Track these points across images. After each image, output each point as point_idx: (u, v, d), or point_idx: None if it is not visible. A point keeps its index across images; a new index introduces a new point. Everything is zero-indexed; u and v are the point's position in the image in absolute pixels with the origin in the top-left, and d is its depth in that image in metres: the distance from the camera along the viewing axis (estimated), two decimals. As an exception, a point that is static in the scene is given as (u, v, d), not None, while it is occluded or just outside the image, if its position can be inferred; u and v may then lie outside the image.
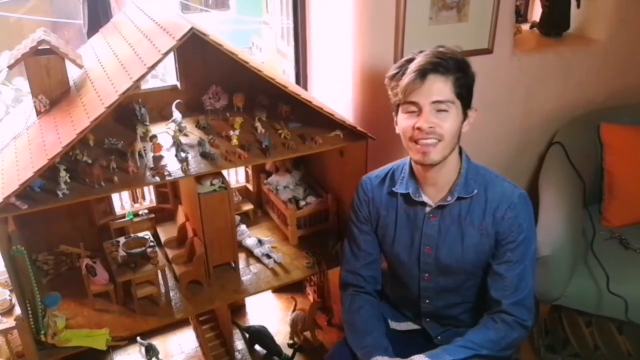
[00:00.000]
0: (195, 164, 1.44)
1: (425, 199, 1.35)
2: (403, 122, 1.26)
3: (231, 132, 1.54)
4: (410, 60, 1.24)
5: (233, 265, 1.72)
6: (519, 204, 1.30)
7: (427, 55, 1.21)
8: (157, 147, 1.44)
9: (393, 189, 1.38)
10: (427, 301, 1.43)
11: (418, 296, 1.44)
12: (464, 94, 1.24)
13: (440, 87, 1.20)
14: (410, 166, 1.38)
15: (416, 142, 1.24)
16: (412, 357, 1.27)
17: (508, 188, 1.33)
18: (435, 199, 1.35)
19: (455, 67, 1.21)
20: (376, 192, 1.43)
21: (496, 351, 1.30)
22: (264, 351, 2.01)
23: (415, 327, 1.53)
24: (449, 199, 1.32)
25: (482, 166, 1.37)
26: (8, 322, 1.55)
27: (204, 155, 1.47)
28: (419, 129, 1.22)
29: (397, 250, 1.41)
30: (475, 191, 1.31)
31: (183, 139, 1.52)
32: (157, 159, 1.43)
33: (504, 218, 1.30)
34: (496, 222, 1.31)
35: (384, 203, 1.41)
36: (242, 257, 1.78)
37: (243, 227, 1.88)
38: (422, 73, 1.19)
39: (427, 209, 1.35)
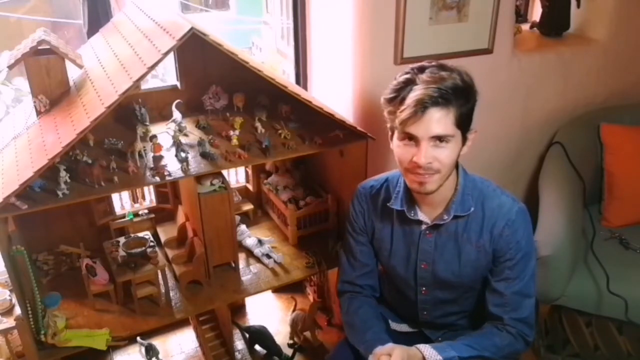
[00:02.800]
0: (195, 164, 1.44)
1: (421, 216, 1.32)
2: (399, 150, 1.21)
3: (231, 132, 1.54)
4: (408, 82, 1.16)
5: (233, 265, 1.72)
6: (517, 220, 1.27)
7: (427, 85, 1.13)
8: (157, 147, 1.44)
9: (388, 204, 1.35)
10: (425, 312, 1.43)
11: (415, 307, 1.43)
12: (465, 121, 1.18)
13: (441, 120, 1.13)
14: (405, 182, 1.32)
15: (412, 172, 1.21)
16: (417, 345, 1.26)
17: (506, 203, 1.29)
18: (431, 216, 1.32)
19: (456, 95, 1.14)
20: (371, 204, 1.40)
21: (498, 356, 1.29)
22: (264, 351, 2.01)
23: (415, 329, 1.53)
24: (445, 217, 1.28)
25: (479, 178, 1.34)
26: (8, 322, 1.55)
27: (204, 155, 1.47)
28: (416, 163, 1.17)
29: (394, 263, 1.39)
30: (472, 209, 1.28)
31: (183, 139, 1.52)
32: (157, 159, 1.43)
33: (502, 235, 1.27)
34: (494, 240, 1.28)
35: (379, 216, 1.39)
36: (242, 257, 1.78)
37: (243, 227, 1.88)
38: (422, 107, 1.12)
39: (423, 227, 1.33)
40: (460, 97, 1.15)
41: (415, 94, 1.13)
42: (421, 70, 1.17)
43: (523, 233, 1.28)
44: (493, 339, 1.30)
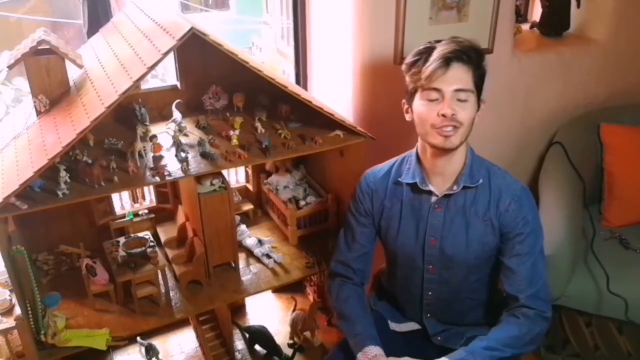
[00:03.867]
0: (195, 164, 1.44)
1: (431, 188, 1.36)
2: (422, 108, 1.27)
3: (231, 132, 1.54)
4: (430, 49, 1.25)
5: (233, 265, 1.72)
6: (522, 196, 1.32)
7: (450, 44, 1.23)
8: (157, 147, 1.44)
9: (399, 179, 1.40)
10: (430, 293, 1.44)
11: (421, 288, 1.44)
12: (479, 85, 1.27)
13: (463, 76, 1.22)
14: (417, 156, 1.39)
15: (436, 128, 1.26)
16: None
17: (511, 181, 1.35)
18: (441, 188, 1.36)
19: (476, 57, 1.24)
20: (380, 185, 1.43)
21: (520, 347, 1.30)
22: (264, 351, 2.01)
23: (415, 327, 1.53)
24: (454, 188, 1.33)
25: (485, 159, 1.39)
26: (8, 322, 1.55)
27: (204, 155, 1.47)
28: (443, 115, 1.23)
29: (402, 241, 1.41)
30: (481, 181, 1.33)
31: (183, 139, 1.52)
32: (157, 159, 1.43)
33: (508, 210, 1.31)
34: (500, 214, 1.32)
35: (389, 194, 1.42)
36: (242, 257, 1.78)
37: (243, 227, 1.88)
38: (447, 60, 1.21)
39: (433, 199, 1.36)
40: (477, 58, 1.24)
41: (439, 50, 1.22)
42: (438, 41, 1.27)
43: (528, 209, 1.33)
44: (511, 329, 1.31)
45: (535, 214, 1.35)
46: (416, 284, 1.44)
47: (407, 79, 1.30)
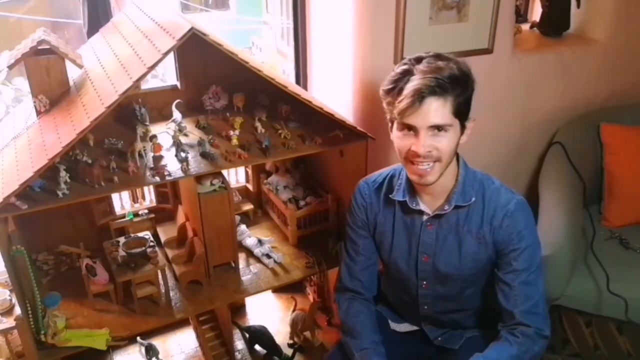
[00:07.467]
0: (195, 164, 1.44)
1: (422, 207, 1.32)
2: (399, 141, 1.22)
3: (231, 132, 1.54)
4: (405, 73, 1.17)
5: (233, 265, 1.72)
6: (516, 211, 1.27)
7: (424, 75, 1.13)
8: (157, 147, 1.44)
9: (390, 195, 1.35)
10: (426, 307, 1.42)
11: (416, 302, 1.42)
12: (463, 110, 1.18)
13: (438, 110, 1.14)
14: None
15: (412, 162, 1.21)
16: None
17: (505, 195, 1.29)
18: (432, 206, 1.32)
19: (453, 84, 1.14)
20: (374, 198, 1.40)
21: None
22: (264, 351, 2.01)
23: (415, 328, 1.52)
24: (446, 207, 1.29)
25: (480, 172, 1.34)
26: (8, 322, 1.55)
27: (204, 155, 1.47)
28: (415, 152, 1.18)
29: (395, 257, 1.39)
30: (474, 199, 1.28)
31: (183, 139, 1.53)
32: (157, 159, 1.43)
33: (502, 226, 1.27)
34: (494, 231, 1.27)
35: (382, 209, 1.39)
36: (242, 257, 1.79)
37: (243, 227, 1.89)
38: (420, 97, 1.12)
39: (425, 217, 1.33)
40: (457, 86, 1.15)
41: (413, 84, 1.14)
42: (418, 60, 1.18)
43: (524, 224, 1.27)
44: (510, 349, 1.26)
45: (531, 228, 1.29)
46: (412, 297, 1.42)
47: (384, 106, 1.22)
